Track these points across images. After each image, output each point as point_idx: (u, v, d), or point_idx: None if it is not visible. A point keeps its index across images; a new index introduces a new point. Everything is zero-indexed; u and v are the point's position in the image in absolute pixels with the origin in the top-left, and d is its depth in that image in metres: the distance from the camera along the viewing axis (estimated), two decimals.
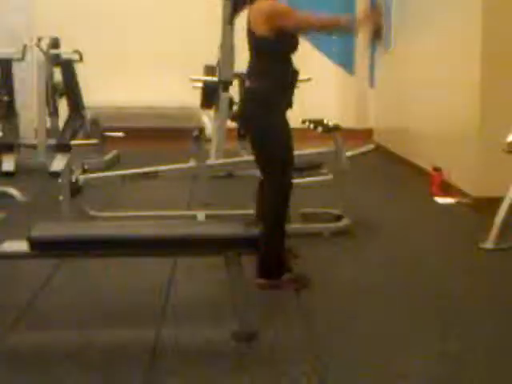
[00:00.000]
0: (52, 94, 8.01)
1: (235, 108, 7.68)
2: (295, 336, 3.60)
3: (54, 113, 8.15)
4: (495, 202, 5.19)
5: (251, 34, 4.18)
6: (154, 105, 10.01)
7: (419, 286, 4.35)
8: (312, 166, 5.57)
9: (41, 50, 7.80)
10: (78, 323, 3.74)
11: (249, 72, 4.37)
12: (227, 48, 6.44)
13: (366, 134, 10.01)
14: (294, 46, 4.24)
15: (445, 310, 3.96)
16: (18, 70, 8.19)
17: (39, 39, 7.91)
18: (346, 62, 10.61)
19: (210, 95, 6.97)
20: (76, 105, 8.23)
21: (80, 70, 8.22)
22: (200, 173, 5.79)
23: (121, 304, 4.03)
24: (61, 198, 5.16)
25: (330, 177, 5.69)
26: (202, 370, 3.20)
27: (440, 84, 7.08)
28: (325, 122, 5.62)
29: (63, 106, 8.29)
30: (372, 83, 10.21)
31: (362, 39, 10.38)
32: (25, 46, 7.84)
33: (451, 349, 3.44)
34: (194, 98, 7.42)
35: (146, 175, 5.52)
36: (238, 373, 3.18)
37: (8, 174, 7.23)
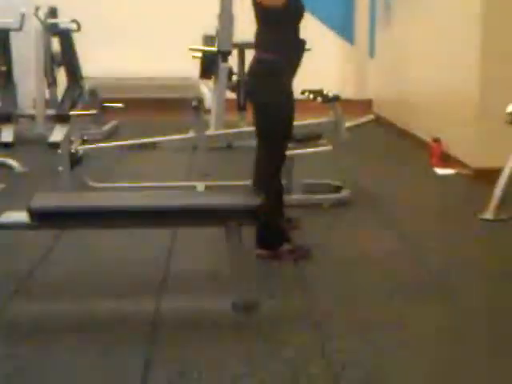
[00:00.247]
0: (50, 64, 7.97)
1: (234, 78, 7.66)
2: (295, 306, 3.61)
3: (52, 83, 8.13)
4: (495, 172, 5.19)
5: (257, 5, 4.14)
6: (153, 75, 9.96)
7: (418, 256, 4.36)
8: (311, 137, 5.55)
9: (38, 19, 7.75)
10: (77, 295, 3.74)
11: (256, 43, 4.34)
12: (226, 18, 6.38)
13: (365, 105, 9.98)
14: (299, 15, 4.20)
15: (444, 281, 3.96)
16: (15, 40, 8.14)
17: (37, 8, 7.85)
18: (345, 31, 10.56)
19: (209, 65, 6.93)
20: (74, 75, 8.20)
21: (78, 40, 8.18)
22: (199, 143, 5.77)
23: (121, 276, 4.04)
24: (60, 168, 5.16)
25: (329, 148, 5.67)
26: (202, 342, 3.21)
27: (440, 55, 7.05)
28: (324, 92, 5.60)
29: (61, 77, 8.25)
30: (372, 53, 10.17)
31: (360, 9, 10.36)
32: (22, 16, 7.78)
33: (448, 320, 3.45)
34: (193, 69, 7.38)
35: (145, 146, 5.51)
36: (238, 343, 3.19)
37: (7, 145, 7.21)
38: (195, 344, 3.18)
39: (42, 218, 3.40)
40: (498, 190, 5.06)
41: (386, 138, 8.42)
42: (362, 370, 2.97)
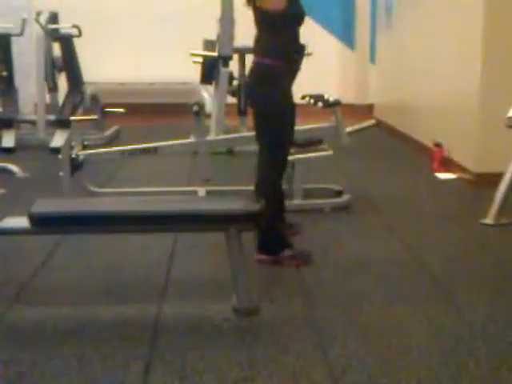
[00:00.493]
0: (51, 69, 7.98)
1: (235, 83, 7.67)
2: (296, 311, 3.61)
3: (53, 88, 8.14)
4: (496, 177, 5.18)
5: (257, 9, 4.13)
6: (154, 80, 9.98)
7: (419, 262, 4.35)
8: (312, 142, 5.55)
9: (39, 24, 7.76)
10: (79, 300, 3.74)
11: (255, 47, 4.34)
12: (227, 23, 6.40)
13: (366, 110, 9.99)
14: (299, 20, 4.19)
15: (444, 286, 3.96)
16: (16, 45, 8.15)
17: (38, 14, 7.87)
18: (346, 36, 10.57)
19: (210, 70, 6.94)
20: (75, 80, 8.20)
21: (79, 45, 8.19)
22: (200, 148, 5.78)
23: (122, 280, 4.04)
24: (61, 174, 5.16)
25: (330, 152, 5.67)
26: (203, 346, 3.21)
27: (441, 59, 7.05)
28: (325, 97, 5.61)
29: (62, 82, 8.26)
30: (373, 58, 10.17)
31: (361, 14, 10.37)
32: (23, 21, 7.79)
33: (449, 324, 3.45)
34: (194, 74, 7.39)
35: (146, 151, 5.51)
36: (239, 348, 3.19)
37: (8, 150, 7.21)
38: (196, 348, 3.18)
39: (43, 224, 3.40)
40: (498, 195, 5.05)
41: (387, 143, 8.42)
42: (363, 375, 2.96)
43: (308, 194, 5.46)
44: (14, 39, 7.98)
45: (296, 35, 4.20)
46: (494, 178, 5.26)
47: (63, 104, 7.92)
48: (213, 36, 7.06)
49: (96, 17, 9.60)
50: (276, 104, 4.16)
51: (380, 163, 7.24)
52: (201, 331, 3.36)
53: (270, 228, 4.17)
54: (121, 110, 8.27)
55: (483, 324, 3.45)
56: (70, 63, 8.18)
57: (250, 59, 7.24)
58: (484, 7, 5.94)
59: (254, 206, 3.47)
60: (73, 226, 3.48)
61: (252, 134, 4.48)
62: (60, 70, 8.21)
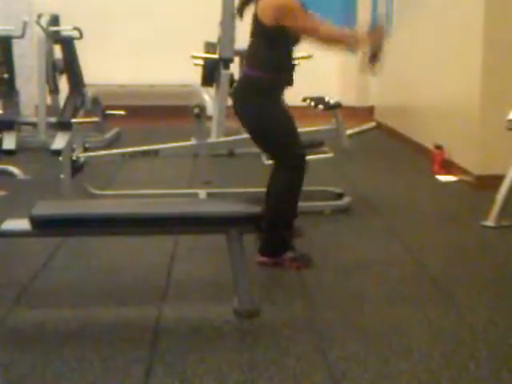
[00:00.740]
0: (52, 71, 7.98)
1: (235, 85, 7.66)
2: (296, 313, 3.61)
3: (54, 90, 8.14)
4: (497, 179, 5.19)
5: (257, 20, 4.08)
6: (155, 82, 9.98)
7: (420, 264, 4.35)
8: (313, 144, 5.55)
9: (41, 27, 7.76)
10: (79, 302, 3.74)
11: (248, 58, 4.32)
12: (228, 25, 6.39)
13: (367, 112, 9.98)
14: (298, 38, 4.19)
15: (445, 288, 3.96)
16: (17, 48, 8.16)
17: (39, 16, 7.88)
18: None
19: (211, 72, 6.93)
20: (76, 82, 8.21)
21: (80, 47, 8.19)
22: (201, 151, 5.78)
23: (122, 283, 4.04)
24: (62, 176, 5.17)
25: (330, 155, 5.68)
26: (204, 349, 3.21)
27: (441, 62, 7.06)
28: (326, 99, 5.61)
29: (63, 84, 8.27)
30: None
31: (362, 17, 10.37)
32: (25, 24, 7.80)
33: (450, 326, 3.45)
34: (195, 76, 7.39)
35: (146, 153, 5.51)
36: (240, 351, 3.19)
37: (9, 153, 7.21)
38: (197, 351, 3.18)
39: (44, 226, 3.40)
40: (499, 197, 5.05)
41: (387, 145, 8.42)
42: (364, 378, 2.96)
43: (308, 197, 5.45)
44: (15, 41, 7.99)
45: (290, 52, 4.19)
46: (494, 181, 5.27)
47: (64, 106, 7.92)
48: (214, 38, 7.05)
49: (97, 19, 9.60)
50: (266, 115, 4.13)
51: (380, 165, 7.24)
52: (201, 333, 3.36)
53: (276, 234, 4.18)
54: (121, 112, 8.28)
55: (484, 326, 3.45)
56: (71, 65, 8.19)
57: None
58: (484, 10, 5.94)
59: (255, 208, 3.48)
60: (74, 228, 3.48)
61: None
62: (61, 73, 8.21)
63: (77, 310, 3.64)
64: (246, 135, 4.57)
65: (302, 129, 4.54)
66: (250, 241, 4.04)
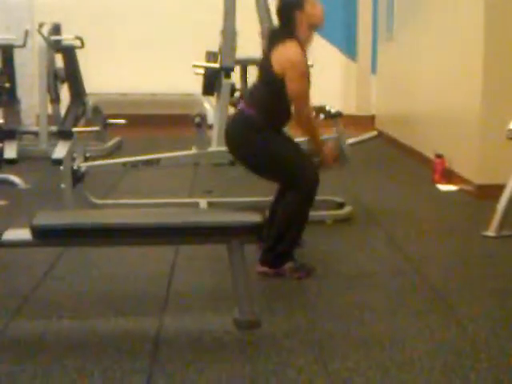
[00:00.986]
0: (53, 80, 8.00)
1: (237, 94, 7.67)
2: (297, 324, 3.60)
3: (55, 99, 8.15)
4: (497, 189, 5.18)
5: (268, 65, 4.14)
6: (156, 91, 10.00)
7: (421, 273, 4.35)
8: (313, 154, 5.54)
9: (42, 36, 7.78)
10: (80, 312, 3.74)
11: (249, 96, 4.38)
12: (229, 34, 6.40)
13: (368, 121, 10.00)
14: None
15: (446, 298, 3.95)
16: (19, 57, 8.18)
17: (40, 25, 7.90)
18: (348, 48, 10.59)
19: (212, 82, 6.94)
20: (77, 91, 8.22)
21: (81, 56, 8.20)
22: (202, 160, 5.78)
23: (123, 293, 4.03)
24: (63, 185, 5.16)
25: None
26: (204, 359, 3.20)
27: (442, 71, 7.07)
28: (327, 108, 5.61)
29: (65, 93, 8.28)
30: (374, 70, 10.19)
31: (363, 26, 10.40)
32: (26, 33, 7.82)
33: (451, 337, 3.44)
34: (196, 85, 7.40)
35: (147, 162, 5.51)
36: (241, 362, 3.18)
37: (10, 162, 7.21)
38: (197, 361, 3.18)
39: (45, 236, 3.39)
40: (500, 207, 5.05)
41: (388, 154, 8.43)
42: None
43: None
44: (16, 50, 8.01)
45: (289, 103, 4.21)
46: (495, 190, 5.26)
47: (65, 115, 7.94)
48: (215, 47, 7.06)
49: (98, 28, 9.63)
50: (266, 147, 4.18)
51: (381, 175, 7.24)
52: (202, 344, 3.36)
53: (291, 247, 4.21)
54: (122, 121, 8.29)
55: (485, 337, 3.44)
56: (72, 74, 8.20)
57: (251, 71, 7.29)
58: (485, 20, 5.95)
59: (256, 218, 3.47)
60: (74, 238, 3.47)
61: None
62: (62, 82, 8.23)
63: (77, 321, 3.64)
64: None
65: (303, 138, 4.54)
66: (251, 251, 4.04)
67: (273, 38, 4.24)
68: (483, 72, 5.99)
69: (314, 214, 5.35)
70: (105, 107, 8.66)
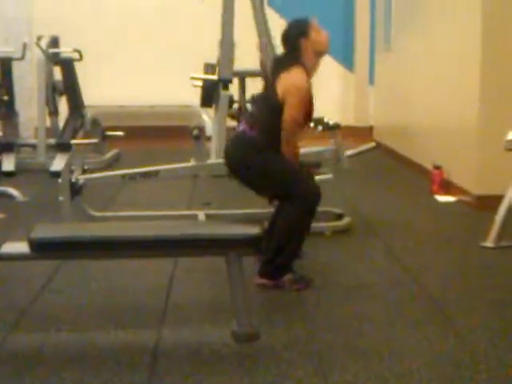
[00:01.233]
0: (52, 93, 8.01)
1: (235, 106, 7.68)
2: (296, 336, 3.60)
3: (53, 112, 8.16)
4: (496, 200, 5.18)
5: (272, 90, 4.18)
6: (154, 103, 10.01)
7: (419, 284, 4.34)
8: (312, 165, 5.55)
9: (40, 48, 7.79)
10: (78, 325, 3.73)
11: (250, 117, 4.40)
12: (227, 46, 6.40)
13: (366, 132, 10.00)
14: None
15: (444, 309, 3.95)
16: (17, 69, 8.19)
17: (39, 38, 7.91)
18: (345, 59, 10.61)
19: (210, 93, 6.95)
20: (76, 104, 8.23)
21: (80, 68, 8.22)
22: (200, 172, 5.78)
23: (121, 305, 4.03)
24: (61, 198, 5.16)
25: (330, 175, 5.67)
26: (203, 372, 3.19)
27: (440, 82, 7.08)
28: (325, 120, 5.62)
29: (63, 105, 8.29)
30: (372, 81, 10.20)
31: (361, 37, 10.42)
32: (24, 45, 7.83)
33: (450, 348, 3.44)
34: (194, 97, 7.41)
35: (146, 175, 5.51)
36: (239, 374, 3.18)
37: (8, 174, 7.21)
38: (195, 374, 3.17)
39: (43, 249, 3.39)
40: (498, 218, 5.05)
41: (386, 165, 8.43)
42: None
43: None
44: (14, 63, 8.02)
45: None
46: (493, 201, 5.26)
47: (64, 128, 7.94)
48: (213, 59, 7.07)
49: (97, 41, 9.65)
50: (263, 162, 4.21)
51: (380, 186, 7.24)
52: (200, 356, 3.35)
53: (290, 260, 4.21)
54: (121, 133, 8.29)
55: (484, 348, 3.43)
56: (70, 87, 8.21)
57: (250, 83, 7.30)
58: (482, 30, 5.97)
59: (255, 230, 3.47)
60: (73, 251, 3.47)
61: None
62: (61, 94, 8.24)
63: (76, 333, 3.63)
64: None
65: (302, 149, 4.55)
66: (250, 263, 4.03)
67: (278, 65, 4.26)
68: (481, 82, 6.01)
69: (312, 225, 5.36)
70: (103, 119, 8.66)
